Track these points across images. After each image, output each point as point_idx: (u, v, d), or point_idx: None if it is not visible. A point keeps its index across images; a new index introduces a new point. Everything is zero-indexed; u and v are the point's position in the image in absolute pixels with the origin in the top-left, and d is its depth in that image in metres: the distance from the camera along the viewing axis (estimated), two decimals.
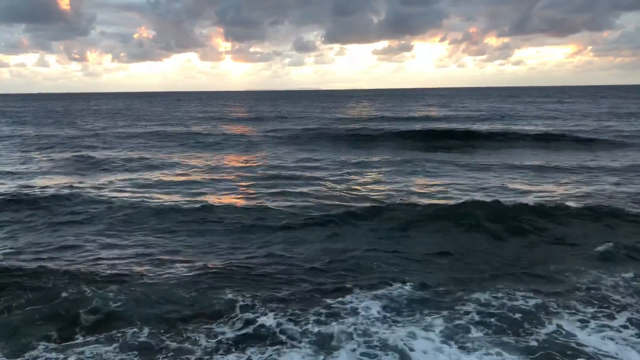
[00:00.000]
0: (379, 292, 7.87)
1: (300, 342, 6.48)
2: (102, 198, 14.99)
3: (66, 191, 15.72)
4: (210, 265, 9.21)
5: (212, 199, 15.06)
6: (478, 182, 17.12)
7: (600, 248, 9.79)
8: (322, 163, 22.09)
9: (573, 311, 7.19)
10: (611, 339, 6.48)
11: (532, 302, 7.47)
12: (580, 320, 6.92)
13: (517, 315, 7.06)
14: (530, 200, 12.78)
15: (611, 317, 7.03)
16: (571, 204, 13.57)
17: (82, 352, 6.29)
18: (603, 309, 7.25)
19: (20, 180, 18.43)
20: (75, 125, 46.81)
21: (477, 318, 6.98)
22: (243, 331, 6.76)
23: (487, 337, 6.54)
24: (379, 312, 7.20)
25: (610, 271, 8.68)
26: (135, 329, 6.81)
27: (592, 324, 6.84)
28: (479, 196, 14.49)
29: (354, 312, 7.24)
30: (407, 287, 8.05)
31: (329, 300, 7.67)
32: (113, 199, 14.86)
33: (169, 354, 6.27)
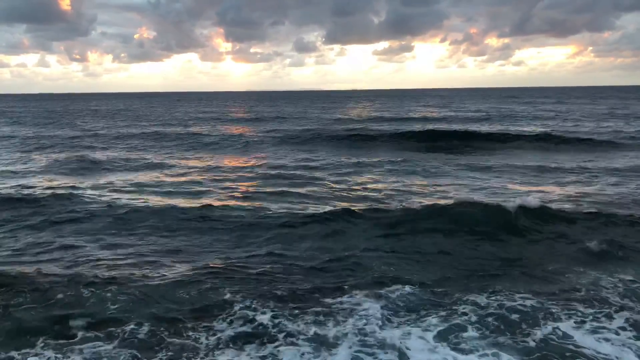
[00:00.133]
0: (378, 292, 7.88)
1: (298, 340, 6.52)
2: (101, 198, 15.01)
3: (65, 191, 15.73)
4: (209, 265, 9.22)
5: (211, 199, 15.09)
6: (478, 183, 17.13)
7: (599, 249, 9.78)
8: (322, 163, 22.10)
9: (571, 312, 7.19)
10: (609, 340, 6.47)
11: (530, 303, 7.48)
12: (578, 322, 6.92)
13: (515, 317, 7.06)
14: (529, 201, 12.76)
15: (609, 318, 7.02)
16: (570, 205, 13.60)
17: (82, 351, 6.30)
18: (601, 311, 7.24)
19: (19, 180, 18.44)
20: (74, 125, 46.85)
21: (474, 319, 6.99)
22: (242, 329, 6.80)
23: (485, 338, 6.54)
24: (377, 312, 7.21)
25: (609, 272, 8.67)
26: (134, 327, 6.82)
27: (591, 325, 6.83)
28: (478, 197, 14.49)
29: (353, 311, 7.26)
30: (406, 287, 8.05)
31: (327, 300, 7.69)
32: (112, 199, 14.89)
33: (168, 353, 6.28)
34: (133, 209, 13.44)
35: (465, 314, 7.16)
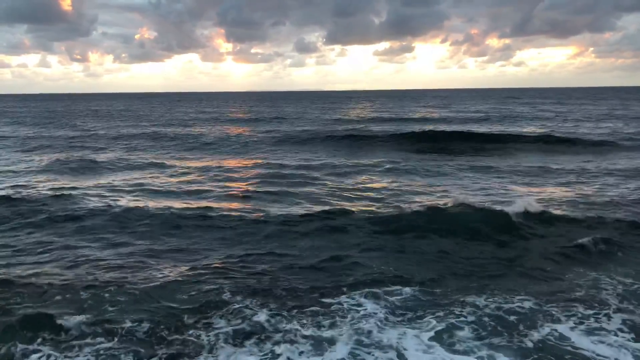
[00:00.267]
0: (376, 292, 7.90)
1: (296, 338, 6.56)
2: (100, 199, 15.02)
3: (64, 192, 15.73)
4: (208, 264, 9.26)
5: (210, 199, 15.10)
6: (478, 184, 17.13)
7: (598, 251, 9.79)
8: (321, 164, 22.09)
9: (569, 314, 7.19)
10: (607, 342, 6.47)
11: (528, 304, 7.47)
12: (577, 323, 6.92)
13: (513, 318, 7.06)
14: (529, 203, 12.76)
15: (608, 320, 7.02)
16: (570, 206, 13.59)
17: (81, 349, 6.33)
18: (600, 312, 7.24)
19: (18, 180, 18.44)
20: (75, 126, 46.83)
21: (472, 320, 6.99)
22: (241, 328, 6.84)
23: (482, 339, 6.54)
24: (375, 312, 7.23)
25: (608, 274, 8.67)
26: (134, 326, 6.85)
27: (589, 327, 6.83)
28: (478, 198, 14.49)
29: (351, 311, 7.29)
30: (404, 288, 8.06)
31: (326, 299, 7.72)
32: (111, 199, 14.89)
33: (168, 351, 6.32)
34: (132, 209, 13.45)
35: (463, 315, 7.16)
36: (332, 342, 6.46)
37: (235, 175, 19.72)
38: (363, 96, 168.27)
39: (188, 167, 21.73)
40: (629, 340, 6.51)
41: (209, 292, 7.96)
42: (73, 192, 15.70)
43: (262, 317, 7.12)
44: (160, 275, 8.73)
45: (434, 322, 6.96)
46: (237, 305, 7.46)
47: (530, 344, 6.38)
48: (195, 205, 14.11)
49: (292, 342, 6.47)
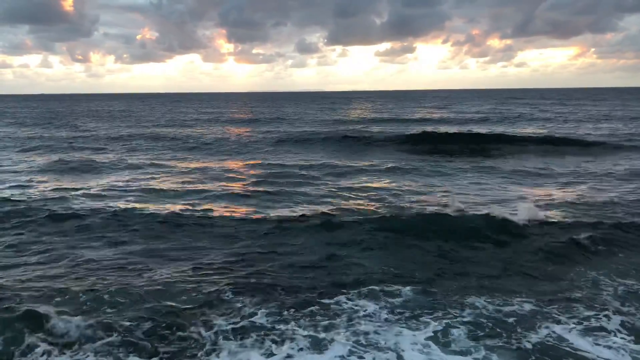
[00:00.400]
0: (375, 292, 7.89)
1: (294, 337, 6.58)
2: (99, 200, 15.03)
3: (63, 193, 15.74)
4: (208, 264, 9.26)
5: (209, 199, 15.10)
6: (478, 185, 17.11)
7: (598, 252, 9.77)
8: (321, 164, 22.08)
9: (569, 316, 7.15)
10: (607, 343, 6.43)
11: (527, 305, 7.44)
12: (576, 325, 6.87)
13: (512, 320, 7.02)
14: (530, 205, 12.75)
15: (607, 321, 6.99)
16: (571, 207, 13.56)
17: (81, 348, 6.33)
18: (600, 313, 7.20)
19: (17, 181, 18.40)
20: (75, 126, 46.85)
21: (471, 321, 6.95)
22: (241, 327, 6.86)
23: (480, 339, 6.51)
24: (373, 313, 7.23)
25: (608, 274, 8.64)
26: (134, 325, 6.85)
27: (588, 329, 6.78)
28: (479, 201, 14.47)
29: (349, 311, 7.29)
30: (403, 288, 8.04)
31: (324, 299, 7.72)
32: (110, 200, 14.90)
33: (168, 349, 6.33)
34: (132, 209, 13.46)
35: (461, 315, 7.13)
36: (330, 341, 6.48)
37: (235, 175, 19.72)
38: (364, 97, 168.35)
39: (188, 168, 21.74)
40: (628, 341, 6.47)
41: (208, 292, 7.96)
42: (73, 193, 15.71)
43: (261, 316, 7.15)
44: (160, 275, 8.73)
45: (432, 322, 6.93)
46: (237, 305, 7.48)
47: (528, 345, 6.35)
48: (195, 205, 14.11)
49: (291, 340, 6.50)
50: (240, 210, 13.61)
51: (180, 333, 6.70)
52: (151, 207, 13.72)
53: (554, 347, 6.33)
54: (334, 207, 13.59)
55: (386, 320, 7.03)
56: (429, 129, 35.47)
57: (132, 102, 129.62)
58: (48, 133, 39.34)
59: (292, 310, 7.34)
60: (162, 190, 16.59)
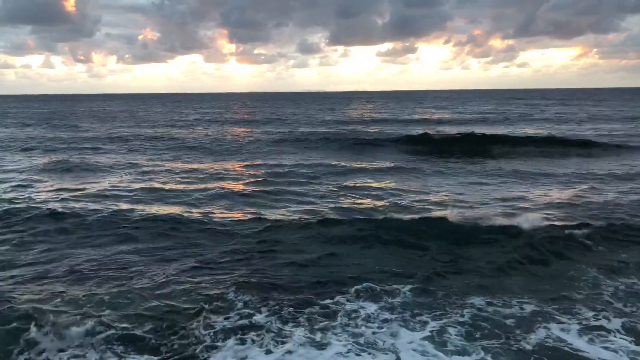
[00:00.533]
0: (374, 293, 7.90)
1: (293, 336, 6.60)
2: (99, 200, 15.03)
3: (63, 193, 15.74)
4: (208, 264, 9.27)
5: (209, 200, 15.10)
6: (479, 186, 17.07)
7: (599, 252, 9.75)
8: (321, 164, 22.05)
9: (569, 317, 7.13)
10: (606, 344, 6.42)
11: (528, 308, 7.40)
12: (576, 326, 6.85)
13: (511, 321, 7.00)
14: (530, 207, 12.73)
15: (607, 323, 6.96)
16: (571, 207, 13.53)
17: (81, 346, 6.33)
18: (600, 315, 7.17)
19: (17, 181, 18.41)
20: (76, 127, 46.89)
21: (470, 322, 6.95)
22: (239, 326, 6.89)
23: (479, 340, 6.50)
24: (372, 312, 7.25)
25: (609, 276, 8.60)
26: (134, 325, 6.87)
27: (588, 330, 6.76)
28: (479, 202, 14.44)
29: (348, 311, 7.31)
30: (402, 288, 8.04)
31: (323, 299, 7.73)
32: (110, 201, 14.89)
33: (168, 350, 6.35)
34: (132, 210, 13.47)
35: (460, 315, 7.13)
36: (329, 340, 6.50)
37: (235, 175, 19.73)
38: (366, 97, 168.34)
39: (188, 168, 21.74)
40: (629, 342, 6.45)
41: (208, 291, 7.96)
42: (74, 193, 15.71)
43: (261, 315, 7.17)
44: (160, 275, 8.74)
45: (431, 322, 6.94)
46: (237, 304, 7.50)
47: (527, 346, 6.33)
48: (195, 205, 14.11)
49: (290, 339, 6.53)
50: (240, 210, 13.61)
51: (180, 332, 6.72)
52: (151, 207, 13.74)
53: (553, 348, 6.31)
54: (334, 207, 13.59)
55: (385, 320, 7.03)
56: (431, 129, 35.45)
57: (133, 103, 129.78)
58: (49, 133, 39.40)
59: (292, 309, 7.36)
60: (162, 190, 16.60)
